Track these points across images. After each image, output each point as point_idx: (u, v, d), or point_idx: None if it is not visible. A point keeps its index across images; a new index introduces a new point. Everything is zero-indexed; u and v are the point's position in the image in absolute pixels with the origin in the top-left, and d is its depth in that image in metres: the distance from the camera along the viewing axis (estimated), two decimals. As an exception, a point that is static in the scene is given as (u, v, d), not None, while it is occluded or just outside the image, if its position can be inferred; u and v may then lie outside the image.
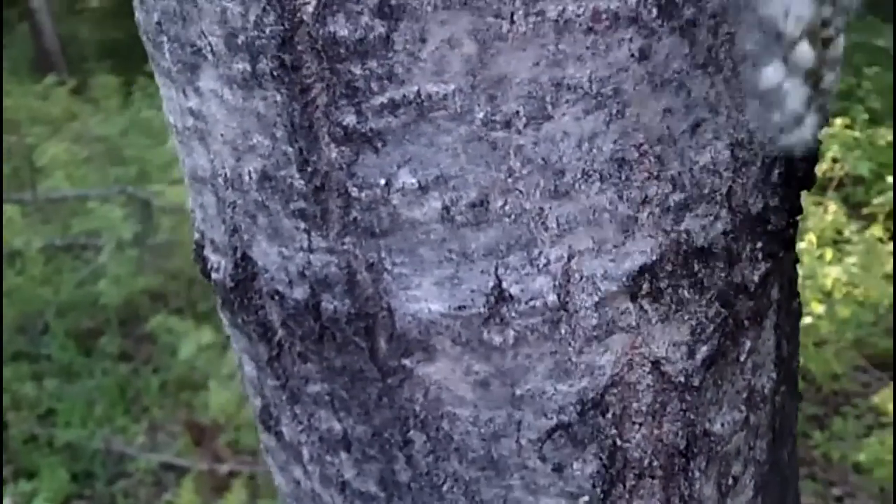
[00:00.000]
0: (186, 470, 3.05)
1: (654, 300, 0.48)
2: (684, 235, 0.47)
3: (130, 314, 4.00)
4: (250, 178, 0.50)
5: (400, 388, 0.51)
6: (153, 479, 3.15)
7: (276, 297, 0.53)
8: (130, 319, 4.01)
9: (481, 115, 0.44)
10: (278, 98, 0.47)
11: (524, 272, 0.47)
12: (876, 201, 4.29)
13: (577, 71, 0.44)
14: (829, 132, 4.56)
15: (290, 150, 0.48)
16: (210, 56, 0.49)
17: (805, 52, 0.47)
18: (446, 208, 0.46)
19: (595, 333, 0.48)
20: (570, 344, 0.48)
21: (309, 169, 0.48)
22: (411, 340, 0.49)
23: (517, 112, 0.44)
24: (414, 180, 0.46)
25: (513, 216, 0.46)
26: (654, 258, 0.47)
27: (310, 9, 0.44)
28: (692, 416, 0.51)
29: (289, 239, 0.51)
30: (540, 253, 0.47)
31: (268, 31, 0.45)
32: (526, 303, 0.47)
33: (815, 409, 3.39)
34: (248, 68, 0.47)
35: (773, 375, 0.55)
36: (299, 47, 0.45)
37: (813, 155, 0.51)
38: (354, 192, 0.47)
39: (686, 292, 0.48)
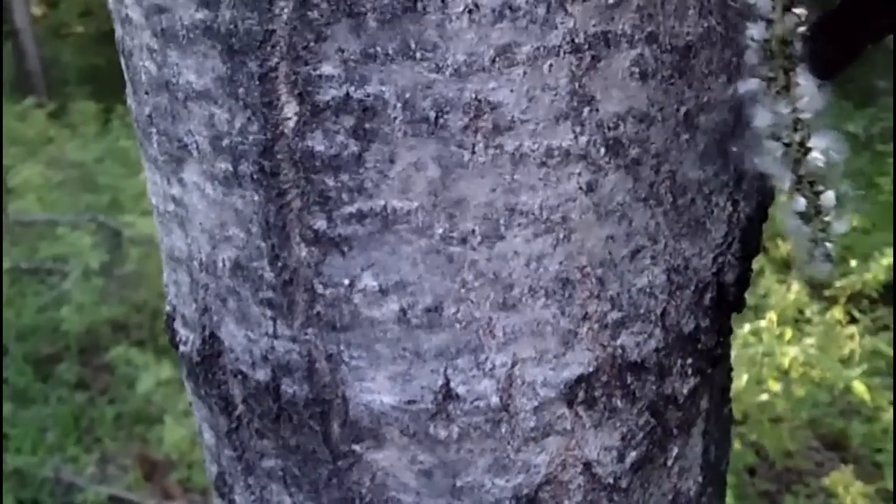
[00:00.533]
0: (133, 505, 3.05)
1: (588, 407, 0.52)
2: (619, 350, 0.52)
3: (91, 343, 3.99)
4: (224, 265, 0.54)
5: (349, 471, 0.54)
6: (101, 511, 3.14)
7: (239, 376, 0.56)
8: (90, 348, 4.00)
9: (440, 230, 0.49)
10: (256, 198, 0.51)
11: (471, 374, 0.51)
12: (838, 283, 4.35)
13: (530, 198, 0.48)
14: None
15: (264, 245, 0.52)
16: (195, 153, 0.53)
17: (800, 203, 0.52)
18: (403, 311, 0.50)
19: (533, 434, 0.52)
20: (509, 442, 0.52)
21: (279, 264, 0.52)
22: (363, 428, 0.53)
23: (473, 231, 0.49)
24: (375, 283, 0.50)
25: (463, 323, 0.50)
26: (590, 369, 0.51)
27: (291, 124, 0.48)
28: (619, 516, 0.55)
29: (255, 324, 0.54)
30: (486, 358, 0.51)
31: (251, 138, 0.50)
32: (471, 402, 0.51)
33: (768, 485, 3.43)
34: (230, 168, 0.51)
35: (700, 479, 0.59)
36: (279, 156, 0.49)
37: (744, 281, 0.56)
38: (320, 288, 0.51)
39: (619, 401, 0.53)
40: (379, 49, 0.46)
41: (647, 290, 0.52)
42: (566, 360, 0.51)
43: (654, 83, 0.49)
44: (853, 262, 4.49)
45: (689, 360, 0.54)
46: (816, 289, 4.48)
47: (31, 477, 3.23)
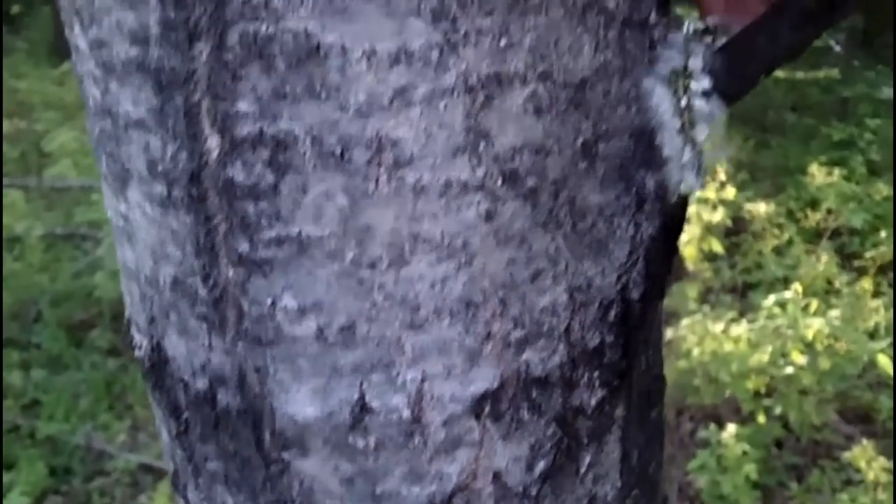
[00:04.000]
0: (164, 473, 3.11)
1: (495, 420, 0.56)
2: (524, 366, 0.55)
3: (123, 309, 4.04)
4: (165, 280, 0.58)
5: (281, 477, 0.59)
6: (130, 479, 3.21)
7: (182, 384, 0.61)
8: (123, 314, 4.05)
9: (351, 255, 0.52)
10: (188, 220, 0.55)
11: (384, 389, 0.55)
12: (868, 254, 4.31)
13: (432, 227, 0.52)
14: (826, 182, 4.60)
15: (197, 264, 0.56)
16: (136, 175, 0.57)
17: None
18: (320, 329, 0.54)
19: (444, 446, 0.56)
20: (422, 453, 0.56)
21: (211, 282, 0.56)
22: (289, 437, 0.57)
23: (381, 256, 0.52)
24: (295, 303, 0.54)
25: (376, 341, 0.54)
26: (496, 385, 0.55)
27: (214, 154, 0.52)
28: (531, 520, 0.58)
29: (194, 336, 0.58)
30: (398, 374, 0.54)
31: (181, 166, 0.53)
32: (385, 415, 0.55)
33: (795, 458, 3.43)
34: (165, 192, 0.55)
35: (618, 484, 0.63)
36: (205, 183, 0.53)
37: (651, 297, 0.59)
38: (246, 306, 0.55)
39: (525, 414, 0.56)
40: (288, 89, 0.50)
41: (550, 308, 0.55)
42: (472, 376, 0.55)
43: (549, 117, 0.52)
44: (883, 233, 4.44)
45: (596, 374, 0.58)
46: (848, 258, 4.45)
47: (63, 444, 3.31)
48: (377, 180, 0.51)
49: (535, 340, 0.55)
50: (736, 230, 4.30)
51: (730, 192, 3.93)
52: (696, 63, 0.53)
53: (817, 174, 4.56)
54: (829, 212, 4.50)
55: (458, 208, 0.51)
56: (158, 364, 0.62)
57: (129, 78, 0.54)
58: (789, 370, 3.54)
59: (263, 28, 0.48)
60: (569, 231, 0.54)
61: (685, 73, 0.53)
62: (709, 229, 3.87)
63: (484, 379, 0.55)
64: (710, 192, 3.91)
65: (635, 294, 0.58)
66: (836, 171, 4.56)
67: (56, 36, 7.03)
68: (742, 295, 4.23)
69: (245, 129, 0.51)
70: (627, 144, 0.55)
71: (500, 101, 0.50)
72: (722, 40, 0.55)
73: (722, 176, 3.97)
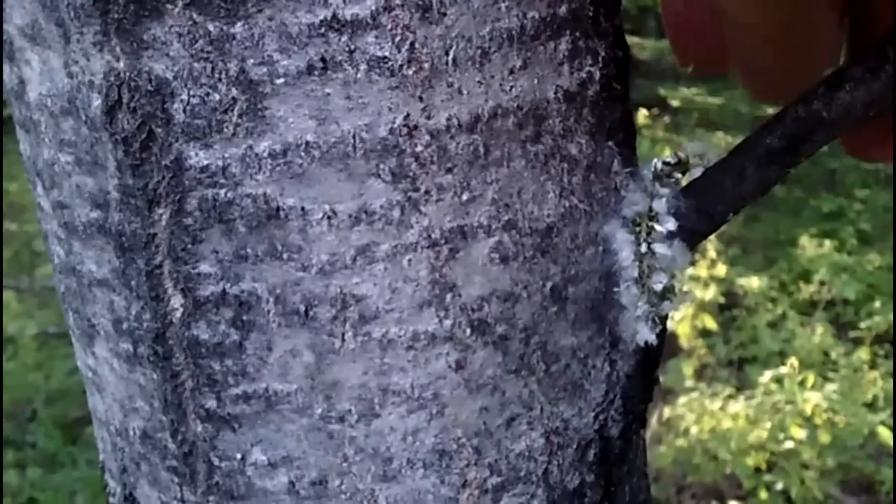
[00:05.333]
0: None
1: (474, 568, 0.54)
2: (502, 512, 0.54)
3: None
4: (134, 433, 0.58)
5: None
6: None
7: (156, 537, 0.59)
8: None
9: (319, 410, 0.52)
10: (155, 377, 0.54)
11: (358, 542, 0.54)
12: (863, 324, 4.29)
13: (401, 379, 0.51)
14: (818, 253, 4.60)
15: (165, 419, 0.55)
16: (102, 332, 0.56)
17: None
18: (292, 483, 0.53)
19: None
20: None
21: (179, 437, 0.55)
22: None
23: (350, 410, 0.51)
24: (265, 458, 0.53)
25: (348, 494, 0.53)
26: (473, 533, 0.54)
27: (178, 314, 0.52)
28: None
29: (165, 488, 0.57)
30: (372, 526, 0.53)
31: (145, 325, 0.53)
32: (360, 568, 0.54)
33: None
34: (131, 349, 0.55)
35: None
36: (170, 342, 0.53)
37: (629, 431, 0.58)
38: (216, 461, 0.54)
39: (505, 561, 0.55)
40: (249, 251, 0.49)
41: (527, 453, 0.54)
42: (449, 525, 0.54)
43: (516, 264, 0.51)
44: (877, 303, 4.43)
45: (576, 514, 0.57)
46: (843, 328, 4.44)
47: (62, 543, 3.27)
48: (343, 336, 0.50)
49: (512, 486, 0.54)
50: (729, 305, 4.30)
51: (721, 270, 3.93)
52: (660, 205, 0.53)
53: (808, 246, 4.57)
54: (821, 283, 4.49)
55: (427, 360, 0.51)
56: (132, 515, 0.61)
57: (90, 240, 0.54)
58: (789, 445, 3.52)
59: (222, 193, 0.48)
60: (542, 375, 0.54)
61: (649, 216, 0.53)
62: (701, 307, 3.86)
63: (461, 527, 0.54)
64: (702, 270, 3.91)
65: (614, 431, 0.57)
66: (827, 243, 4.57)
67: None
68: (739, 369, 4.20)
69: (208, 290, 0.51)
70: (598, 286, 0.55)
71: (464, 253, 0.50)
72: (698, 170, 0.55)
73: (712, 253, 3.97)
